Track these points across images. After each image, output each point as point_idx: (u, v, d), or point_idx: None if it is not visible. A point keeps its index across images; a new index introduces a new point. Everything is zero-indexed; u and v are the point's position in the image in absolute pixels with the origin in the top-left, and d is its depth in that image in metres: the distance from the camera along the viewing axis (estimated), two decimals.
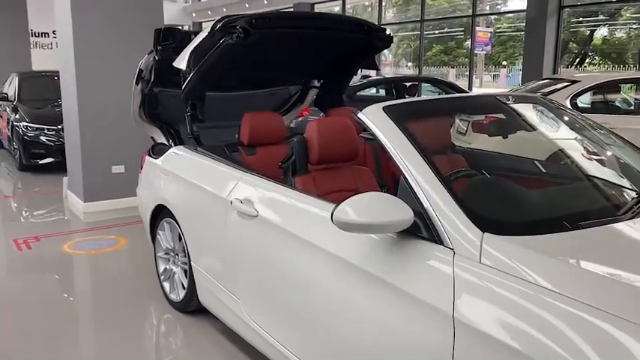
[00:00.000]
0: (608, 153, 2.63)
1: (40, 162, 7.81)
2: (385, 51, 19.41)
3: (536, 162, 2.79)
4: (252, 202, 2.60)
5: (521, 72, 12.27)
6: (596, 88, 6.71)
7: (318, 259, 2.15)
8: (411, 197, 1.85)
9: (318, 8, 19.45)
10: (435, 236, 1.77)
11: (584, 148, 2.64)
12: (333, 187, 2.78)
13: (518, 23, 15.68)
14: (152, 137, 4.03)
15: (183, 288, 3.39)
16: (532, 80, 8.25)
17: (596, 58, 15.42)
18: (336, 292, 2.04)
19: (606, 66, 14.58)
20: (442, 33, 18.30)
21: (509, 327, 1.48)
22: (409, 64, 19.19)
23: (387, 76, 11.97)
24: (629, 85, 7.41)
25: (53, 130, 7.74)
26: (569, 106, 5.96)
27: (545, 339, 1.40)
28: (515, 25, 16.75)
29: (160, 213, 3.56)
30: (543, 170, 2.77)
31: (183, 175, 3.29)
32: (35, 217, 5.90)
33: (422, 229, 1.80)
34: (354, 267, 1.97)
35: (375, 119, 2.13)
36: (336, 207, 1.82)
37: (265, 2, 20.13)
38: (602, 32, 15.26)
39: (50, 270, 4.25)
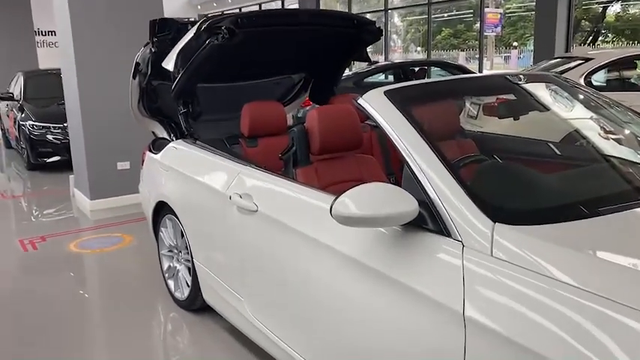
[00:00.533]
0: (627, 131, 2.46)
1: (48, 160, 7.77)
2: (394, 36, 19.19)
3: (550, 144, 2.64)
4: (251, 196, 2.48)
5: (532, 53, 12.00)
6: (611, 65, 6.56)
7: (319, 255, 2.03)
8: (415, 187, 1.72)
9: None
10: (442, 228, 1.64)
11: (601, 127, 2.48)
12: (336, 177, 2.66)
13: (528, 3, 15.36)
14: (153, 132, 3.94)
15: (188, 286, 3.30)
16: (544, 60, 8.04)
17: (610, 35, 15.08)
18: (340, 290, 1.92)
19: (620, 43, 14.26)
20: (451, 16, 18.03)
21: (524, 325, 1.35)
22: (418, 48, 18.95)
23: (395, 61, 11.79)
24: None
25: (59, 128, 7.66)
26: (584, 85, 5.76)
27: (566, 337, 1.27)
28: (525, 5, 16.43)
29: (162, 209, 3.47)
30: (558, 152, 2.61)
31: (182, 170, 3.19)
32: (43, 216, 5.86)
33: (428, 220, 1.68)
34: (357, 262, 1.85)
35: (377, 105, 2.00)
36: (335, 200, 1.70)
37: None
38: (614, 9, 14.92)
39: (55, 270, 4.20)
